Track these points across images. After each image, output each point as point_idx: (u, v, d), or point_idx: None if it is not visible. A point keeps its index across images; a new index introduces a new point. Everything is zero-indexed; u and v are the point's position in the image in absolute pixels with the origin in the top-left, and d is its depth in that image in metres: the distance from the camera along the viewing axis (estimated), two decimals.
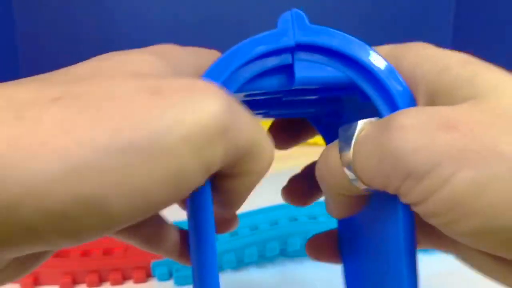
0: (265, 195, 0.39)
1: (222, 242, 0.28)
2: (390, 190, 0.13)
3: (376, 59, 0.14)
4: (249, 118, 0.13)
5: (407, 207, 0.13)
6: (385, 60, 0.14)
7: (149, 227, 0.17)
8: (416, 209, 0.13)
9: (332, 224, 0.28)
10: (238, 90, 0.15)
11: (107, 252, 0.28)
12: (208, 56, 0.15)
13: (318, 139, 0.57)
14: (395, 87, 0.14)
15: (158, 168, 0.10)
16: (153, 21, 0.64)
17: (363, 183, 0.14)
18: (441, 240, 0.15)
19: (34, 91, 0.10)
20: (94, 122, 0.10)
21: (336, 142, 0.14)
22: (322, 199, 0.29)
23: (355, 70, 0.15)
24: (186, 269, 0.26)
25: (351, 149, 0.14)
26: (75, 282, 0.25)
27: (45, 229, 0.10)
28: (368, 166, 0.13)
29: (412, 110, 0.13)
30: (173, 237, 0.17)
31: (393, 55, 0.15)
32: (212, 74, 0.14)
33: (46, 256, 0.14)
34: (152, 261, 0.26)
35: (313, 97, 0.18)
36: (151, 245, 0.17)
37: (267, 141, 0.14)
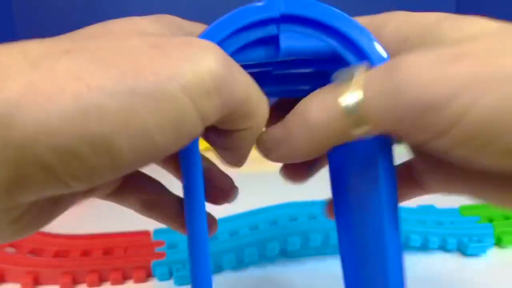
0: (265, 194, 0.39)
1: (222, 241, 0.28)
2: (402, 130, 0.13)
3: (357, 28, 0.15)
4: (243, 75, 0.13)
5: (386, 163, 0.14)
6: (365, 28, 0.15)
7: (150, 193, 0.18)
8: (436, 143, 0.13)
9: (332, 223, 0.28)
10: None
11: (107, 252, 0.28)
12: (202, 28, 0.15)
13: None
14: (376, 54, 0.15)
15: (159, 113, 0.11)
16: None
17: (371, 126, 0.13)
18: (454, 181, 0.15)
19: (47, 46, 0.11)
20: (102, 69, 0.11)
21: (324, 90, 0.14)
22: (321, 198, 0.29)
23: (337, 39, 0.15)
24: (186, 269, 0.26)
25: (357, 91, 0.13)
26: (75, 282, 0.25)
27: (58, 168, 0.10)
28: (379, 107, 0.13)
29: (416, 52, 0.13)
30: (174, 206, 0.18)
31: (374, 24, 0.15)
32: None
33: (64, 205, 0.14)
34: (153, 261, 0.26)
35: (303, 71, 0.18)
36: (151, 212, 0.18)
37: (261, 97, 0.14)
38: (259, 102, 0.14)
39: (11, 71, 0.10)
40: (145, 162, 0.12)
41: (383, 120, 0.13)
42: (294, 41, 0.15)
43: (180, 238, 0.29)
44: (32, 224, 0.13)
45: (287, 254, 0.28)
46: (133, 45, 0.12)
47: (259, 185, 0.43)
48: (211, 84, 0.12)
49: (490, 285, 0.26)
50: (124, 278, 0.26)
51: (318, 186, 0.43)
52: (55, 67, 0.11)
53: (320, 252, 0.28)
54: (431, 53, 0.13)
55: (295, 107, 0.15)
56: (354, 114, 0.13)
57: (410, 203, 0.32)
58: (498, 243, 0.29)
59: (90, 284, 0.25)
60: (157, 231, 0.30)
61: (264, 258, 0.28)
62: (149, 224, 0.30)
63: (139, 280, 0.26)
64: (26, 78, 0.10)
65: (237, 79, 0.13)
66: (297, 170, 0.21)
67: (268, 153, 0.16)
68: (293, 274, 0.27)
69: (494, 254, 0.28)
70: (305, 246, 0.27)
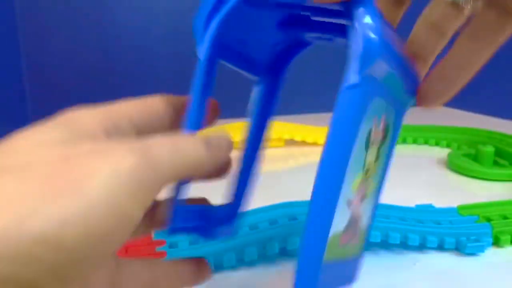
0: (265, 194, 0.40)
1: (222, 240, 0.28)
2: None
3: None
4: (171, 149, 0.15)
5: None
6: None
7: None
8: None
9: None
10: None
11: None
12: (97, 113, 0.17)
13: (318, 138, 0.57)
14: None
15: (93, 228, 0.13)
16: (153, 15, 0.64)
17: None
18: None
19: None
20: (22, 195, 0.12)
21: None
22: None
23: None
24: None
25: None
26: None
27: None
28: None
29: None
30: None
31: None
32: None
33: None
34: None
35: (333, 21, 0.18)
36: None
37: (198, 154, 0.16)
38: (199, 159, 0.16)
39: None
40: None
41: None
42: None
43: (180, 237, 0.29)
44: None
45: (286, 254, 0.29)
46: (43, 161, 0.13)
47: (259, 184, 0.43)
48: (133, 183, 0.13)
49: (488, 284, 0.26)
50: None
51: (308, 188, 0.43)
52: None
53: None
54: None
55: None
56: None
57: (408, 202, 0.32)
58: (496, 242, 0.29)
59: None
60: (157, 231, 0.30)
61: (264, 257, 0.28)
62: None
63: None
64: None
65: (162, 161, 0.14)
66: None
67: None
68: (292, 274, 0.27)
69: (492, 254, 0.29)
70: None
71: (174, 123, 0.18)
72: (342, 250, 0.18)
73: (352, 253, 0.19)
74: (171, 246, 0.28)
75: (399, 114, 0.20)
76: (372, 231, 0.28)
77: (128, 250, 0.28)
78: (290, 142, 0.55)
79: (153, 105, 0.18)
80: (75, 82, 0.64)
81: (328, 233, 0.16)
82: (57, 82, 0.64)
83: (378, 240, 0.28)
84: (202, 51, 0.18)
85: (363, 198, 0.19)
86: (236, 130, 0.52)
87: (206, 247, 0.27)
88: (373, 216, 0.21)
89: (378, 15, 0.16)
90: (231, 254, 0.27)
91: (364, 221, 0.20)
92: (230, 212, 0.22)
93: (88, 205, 0.13)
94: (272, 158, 0.51)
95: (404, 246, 0.29)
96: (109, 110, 0.17)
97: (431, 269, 0.27)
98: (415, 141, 0.56)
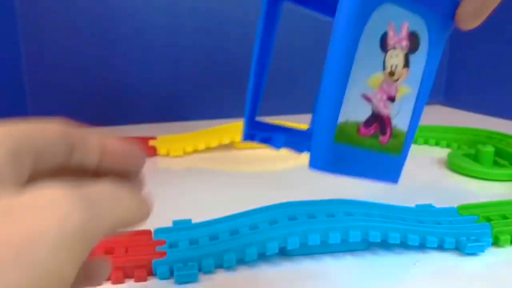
0: (266, 193, 0.40)
1: (223, 241, 0.28)
2: None
3: None
4: (115, 206, 0.14)
5: None
6: None
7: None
8: None
9: (331, 223, 0.28)
10: None
11: (108, 252, 0.28)
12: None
13: None
14: None
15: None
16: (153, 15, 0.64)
17: None
18: None
19: None
20: None
21: None
22: (320, 198, 0.30)
23: None
24: (187, 268, 0.26)
25: None
26: None
27: None
28: None
29: None
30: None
31: None
32: None
33: None
34: (153, 260, 0.26)
35: None
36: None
37: (134, 211, 0.15)
38: (133, 217, 0.15)
39: None
40: None
41: None
42: None
43: (181, 237, 0.29)
44: None
45: (286, 254, 0.29)
46: None
47: (261, 182, 0.43)
48: (77, 245, 0.12)
49: (488, 284, 0.26)
50: (125, 277, 0.26)
51: (318, 187, 0.43)
52: None
53: (319, 251, 0.29)
54: None
55: None
56: None
57: (408, 202, 0.32)
58: (496, 242, 0.29)
59: None
60: (158, 230, 0.30)
61: (263, 257, 0.28)
62: (150, 223, 0.31)
63: (140, 279, 0.26)
64: None
65: (103, 213, 0.13)
66: None
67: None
68: (292, 274, 0.27)
69: (492, 254, 0.29)
70: (304, 246, 0.28)
71: (68, 157, 0.16)
72: (365, 140, 0.22)
73: (386, 149, 0.22)
74: (171, 246, 0.28)
75: (434, 29, 0.22)
76: (372, 231, 0.28)
77: (128, 250, 0.28)
78: None
79: (50, 134, 0.15)
80: (76, 82, 0.64)
81: (336, 112, 0.20)
82: (57, 82, 0.64)
83: (378, 240, 0.28)
84: None
85: (390, 99, 0.22)
86: (235, 130, 0.53)
87: (206, 247, 0.28)
88: (414, 124, 0.23)
89: None
90: (231, 254, 0.27)
91: (398, 123, 0.22)
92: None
93: (33, 276, 0.11)
94: (272, 158, 0.51)
95: (404, 246, 0.29)
96: (11, 138, 0.14)
97: (431, 269, 0.27)
98: (415, 141, 0.56)
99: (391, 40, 0.21)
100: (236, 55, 0.67)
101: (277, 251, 0.27)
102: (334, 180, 0.43)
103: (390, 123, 0.22)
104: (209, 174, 0.47)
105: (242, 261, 0.27)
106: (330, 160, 0.20)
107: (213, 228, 0.30)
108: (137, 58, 0.66)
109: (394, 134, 0.23)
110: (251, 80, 0.24)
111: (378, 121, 0.22)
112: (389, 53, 0.21)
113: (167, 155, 0.51)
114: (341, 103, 0.20)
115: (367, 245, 0.29)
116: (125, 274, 0.26)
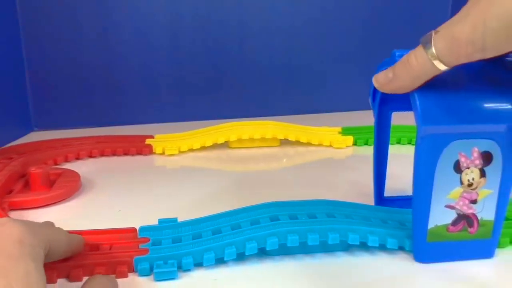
0: (259, 192, 0.40)
1: (204, 239, 0.28)
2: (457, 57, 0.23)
3: None
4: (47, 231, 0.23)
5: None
6: None
7: None
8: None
9: (312, 225, 0.28)
10: None
11: (93, 248, 0.29)
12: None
13: (312, 138, 0.56)
14: None
15: None
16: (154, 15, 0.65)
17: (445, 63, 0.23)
18: None
19: None
20: None
21: (417, 48, 0.24)
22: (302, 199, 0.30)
23: None
24: (167, 265, 0.27)
25: (432, 46, 0.23)
26: (59, 276, 0.26)
27: None
28: (444, 51, 0.23)
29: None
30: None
31: None
32: None
33: None
34: (135, 257, 0.27)
35: None
36: None
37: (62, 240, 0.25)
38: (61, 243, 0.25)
39: None
40: None
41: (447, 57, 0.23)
42: None
43: (165, 235, 0.30)
44: None
45: (267, 253, 0.29)
46: None
47: (261, 181, 0.44)
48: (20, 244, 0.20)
49: (488, 284, 0.26)
50: (107, 273, 0.27)
51: (311, 186, 0.44)
52: None
53: (298, 252, 0.29)
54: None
55: (401, 59, 0.25)
56: (434, 58, 0.23)
57: None
58: None
59: (72, 279, 0.26)
60: (143, 228, 0.31)
61: (243, 257, 0.28)
62: (139, 220, 0.31)
63: (121, 275, 0.27)
64: None
65: (41, 233, 0.22)
66: None
67: (382, 87, 0.26)
68: (272, 274, 0.27)
69: (510, 253, 0.29)
70: (283, 247, 0.28)
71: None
72: (455, 235, 0.27)
73: (476, 236, 0.28)
74: (154, 244, 0.29)
75: (505, 142, 0.26)
76: (351, 234, 0.28)
77: (112, 247, 0.29)
78: (286, 142, 0.55)
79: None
80: (77, 86, 0.65)
81: (424, 223, 0.27)
82: (59, 87, 0.64)
83: (357, 243, 0.28)
84: (374, 109, 0.33)
85: (472, 202, 0.27)
86: (230, 129, 0.53)
87: (187, 246, 0.28)
88: (501, 211, 0.27)
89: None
90: (211, 253, 0.27)
91: (485, 215, 0.27)
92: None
93: None
94: (266, 158, 0.52)
95: (384, 248, 0.29)
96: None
97: (430, 268, 0.27)
98: (399, 142, 0.55)
99: (463, 164, 0.26)
100: (231, 57, 0.68)
101: (256, 251, 0.28)
102: (329, 180, 0.44)
103: (476, 218, 0.27)
104: (203, 172, 0.48)
105: (221, 261, 0.28)
106: (427, 254, 0.28)
107: (197, 227, 0.30)
108: (139, 63, 0.66)
109: (481, 224, 0.27)
110: (375, 168, 0.34)
111: (465, 219, 0.27)
112: (463, 172, 0.26)
113: (163, 153, 0.52)
114: (427, 216, 0.27)
115: (346, 247, 0.30)
116: (107, 270, 0.27)
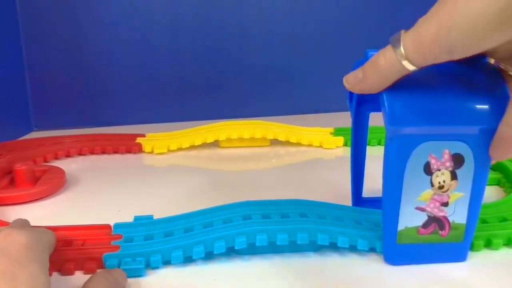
0: (245, 191, 0.40)
1: (175, 237, 0.28)
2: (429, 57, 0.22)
3: None
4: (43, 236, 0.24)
5: None
6: None
7: None
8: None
9: (282, 224, 0.28)
10: None
11: (66, 244, 0.29)
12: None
13: (302, 138, 0.56)
14: None
15: None
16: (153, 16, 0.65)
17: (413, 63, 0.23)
18: None
19: None
20: None
21: (386, 48, 0.23)
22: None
23: None
24: (135, 263, 0.27)
25: (401, 46, 0.22)
26: None
27: None
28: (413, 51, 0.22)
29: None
30: None
31: None
32: None
33: None
34: (104, 253, 0.27)
35: None
36: None
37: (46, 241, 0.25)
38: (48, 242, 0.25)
39: None
40: None
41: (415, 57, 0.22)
42: None
43: (138, 232, 0.30)
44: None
45: (237, 252, 0.29)
46: None
47: (262, 180, 0.44)
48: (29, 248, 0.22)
49: (481, 286, 0.26)
50: (76, 269, 0.27)
51: (300, 185, 0.44)
52: None
53: (267, 251, 0.29)
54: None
55: (370, 59, 0.24)
56: (403, 58, 0.23)
57: None
58: (488, 245, 0.29)
59: None
60: (117, 225, 0.31)
61: (211, 255, 0.28)
62: (120, 218, 0.32)
63: (89, 271, 0.27)
64: None
65: (41, 238, 0.24)
66: None
67: (352, 87, 0.26)
68: (240, 273, 0.27)
69: (484, 256, 0.29)
70: (252, 246, 0.28)
71: None
72: (426, 237, 0.27)
73: (447, 239, 0.27)
74: (126, 240, 0.29)
75: (477, 145, 0.25)
76: (320, 234, 0.28)
77: (84, 244, 0.29)
78: (277, 142, 0.55)
79: None
80: (77, 86, 0.66)
81: (394, 224, 0.27)
82: (59, 87, 0.65)
83: (327, 243, 0.28)
84: (351, 110, 0.33)
85: (443, 205, 0.27)
86: (220, 129, 0.53)
87: (157, 243, 0.28)
88: (473, 215, 0.27)
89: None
90: (179, 251, 0.27)
91: (456, 218, 0.27)
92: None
93: None
94: (254, 158, 0.52)
95: (354, 249, 0.29)
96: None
97: (401, 269, 0.27)
98: (380, 144, 0.55)
99: (433, 166, 0.26)
100: (231, 58, 0.68)
101: (224, 250, 0.28)
102: (311, 181, 0.43)
103: (448, 220, 0.27)
104: (190, 171, 0.48)
105: (190, 259, 0.28)
106: (398, 256, 0.28)
107: (170, 225, 0.31)
108: (138, 63, 0.66)
109: (453, 227, 0.27)
110: (352, 169, 0.34)
111: (436, 222, 0.27)
112: (434, 174, 0.26)
113: (152, 152, 0.52)
114: (397, 217, 0.27)
115: (318, 247, 0.29)
116: (76, 266, 0.27)
